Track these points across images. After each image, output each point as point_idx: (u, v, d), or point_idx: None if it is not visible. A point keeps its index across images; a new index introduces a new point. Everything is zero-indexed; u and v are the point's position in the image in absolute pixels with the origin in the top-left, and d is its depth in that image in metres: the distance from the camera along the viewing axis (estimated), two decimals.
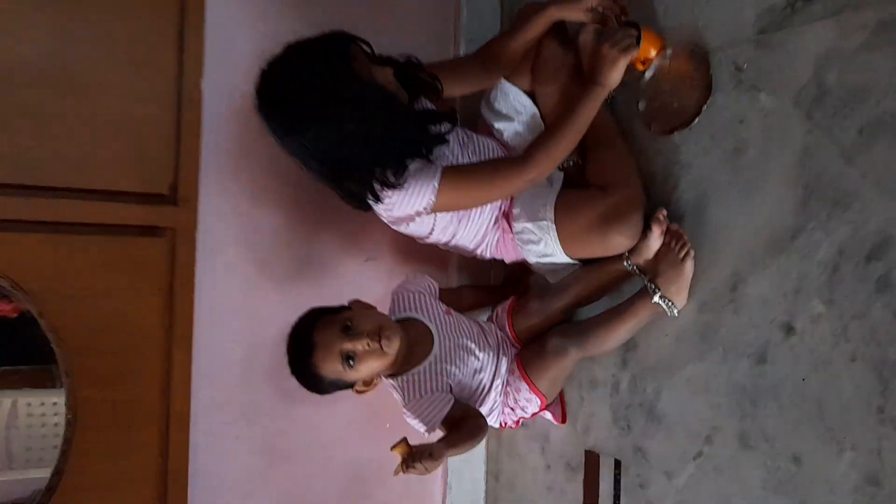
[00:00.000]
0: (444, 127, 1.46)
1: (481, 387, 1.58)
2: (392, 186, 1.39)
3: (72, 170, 1.45)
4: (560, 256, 1.54)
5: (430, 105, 1.55)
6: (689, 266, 1.39)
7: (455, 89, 1.60)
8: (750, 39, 1.31)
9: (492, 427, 1.86)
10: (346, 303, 1.53)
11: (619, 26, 1.42)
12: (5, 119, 1.40)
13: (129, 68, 1.50)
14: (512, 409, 1.61)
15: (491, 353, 1.60)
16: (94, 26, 1.47)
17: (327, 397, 1.74)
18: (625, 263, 1.48)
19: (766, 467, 1.27)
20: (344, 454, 1.81)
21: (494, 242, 1.66)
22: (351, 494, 1.82)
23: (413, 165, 1.41)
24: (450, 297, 1.74)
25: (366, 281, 1.79)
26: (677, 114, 1.43)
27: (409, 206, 1.43)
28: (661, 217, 1.40)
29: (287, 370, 1.48)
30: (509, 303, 1.71)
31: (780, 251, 1.26)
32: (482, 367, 1.58)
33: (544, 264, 1.60)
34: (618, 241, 1.43)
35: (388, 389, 1.57)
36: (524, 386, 1.57)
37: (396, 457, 1.29)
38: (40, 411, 1.48)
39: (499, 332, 1.67)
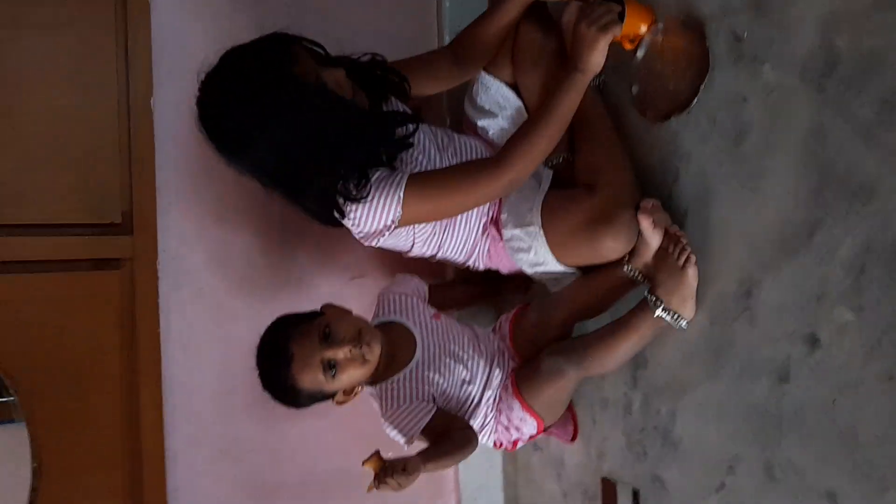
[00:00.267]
0: (406, 129, 1.31)
1: (469, 399, 1.43)
2: (355, 199, 1.25)
3: (13, 204, 1.35)
4: (553, 265, 1.38)
5: (401, 107, 1.41)
6: (691, 273, 1.20)
7: (428, 87, 1.46)
8: (748, 5, 1.12)
9: (504, 451, 1.73)
10: (317, 308, 1.42)
11: (601, 1, 1.24)
12: None
13: (71, 90, 1.40)
14: (506, 428, 1.45)
15: (482, 363, 1.45)
16: (31, 48, 1.38)
17: (318, 424, 1.64)
18: (625, 268, 1.30)
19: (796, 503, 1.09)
20: (339, 487, 1.68)
21: (485, 252, 1.50)
22: None
23: (376, 175, 1.26)
24: (443, 295, 1.62)
25: (352, 300, 1.65)
26: (673, 97, 1.25)
27: (375, 220, 1.28)
28: (648, 207, 1.22)
29: (267, 395, 1.37)
30: (514, 312, 1.55)
31: (795, 251, 1.07)
32: (471, 377, 1.43)
33: (540, 274, 1.44)
34: (608, 246, 1.26)
35: (369, 398, 1.45)
36: (517, 404, 1.41)
37: (370, 472, 1.18)
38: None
39: (498, 342, 1.52)
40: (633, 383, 1.40)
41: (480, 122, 1.51)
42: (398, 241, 1.40)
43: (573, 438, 1.54)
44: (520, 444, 1.48)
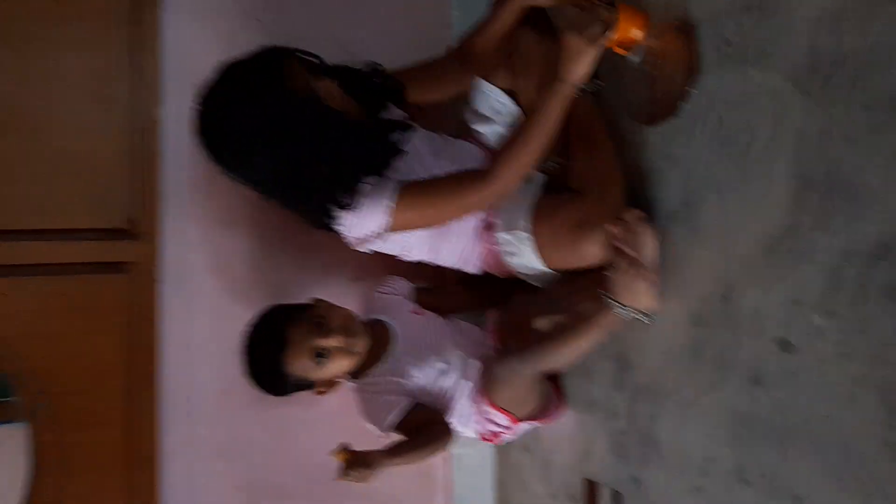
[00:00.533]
0: (397, 137, 1.34)
1: (446, 391, 1.45)
2: (346, 207, 1.29)
3: (24, 210, 1.41)
4: (542, 268, 1.39)
5: (401, 114, 1.44)
6: (639, 266, 1.19)
7: (427, 94, 1.49)
8: (738, 8, 1.13)
9: (491, 446, 1.73)
10: (306, 300, 1.46)
11: (593, 6, 1.26)
12: None
13: (83, 102, 1.46)
14: (484, 420, 1.46)
15: (460, 355, 1.48)
16: (47, 64, 1.44)
17: (315, 425, 1.66)
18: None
19: None
20: (335, 488, 1.69)
21: (480, 256, 1.52)
22: None
23: (367, 183, 1.29)
24: (438, 298, 1.65)
25: (353, 302, 1.69)
26: (664, 100, 1.26)
27: (364, 227, 1.31)
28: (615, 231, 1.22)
29: (266, 400, 1.43)
30: (497, 308, 1.58)
31: (775, 254, 1.08)
32: (448, 369, 1.46)
33: (532, 277, 1.46)
34: (593, 252, 1.27)
35: (351, 392, 1.48)
36: (485, 401, 1.43)
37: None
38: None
39: (480, 333, 1.55)
40: (619, 385, 1.40)
41: (479, 128, 1.52)
42: (393, 245, 1.43)
43: (558, 412, 1.53)
44: (505, 438, 1.49)
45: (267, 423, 1.63)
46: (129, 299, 1.49)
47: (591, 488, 1.47)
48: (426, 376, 1.43)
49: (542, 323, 1.39)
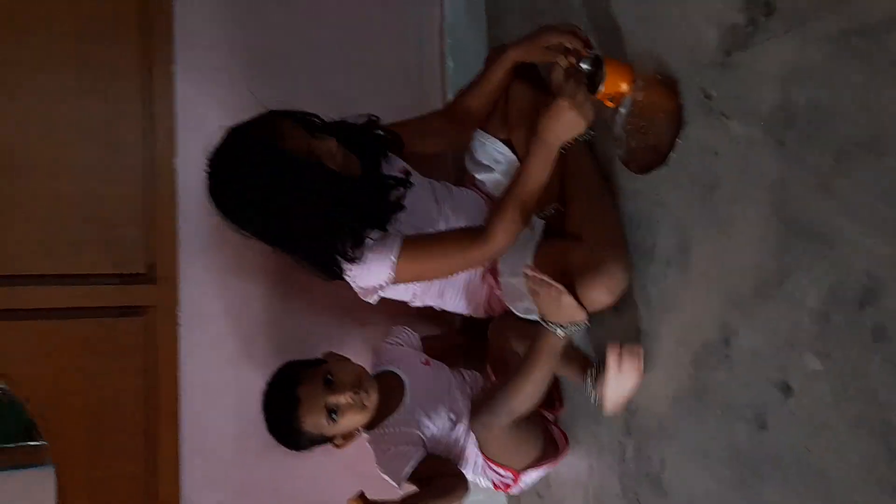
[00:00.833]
0: (396, 193, 1.38)
1: (457, 441, 1.48)
2: (351, 260, 1.33)
3: (44, 255, 1.47)
4: None
5: (400, 163, 1.49)
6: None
7: (424, 146, 1.55)
8: (716, 63, 1.17)
9: (505, 495, 1.74)
10: (319, 355, 1.50)
11: (584, 58, 1.31)
12: None
13: (101, 150, 1.54)
14: (491, 471, 1.48)
15: (468, 406, 1.51)
16: (66, 112, 1.51)
17: (330, 468, 1.68)
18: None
19: None
20: None
21: (485, 302, 1.56)
22: None
23: (370, 237, 1.34)
24: (442, 346, 1.69)
25: (362, 346, 1.73)
26: (653, 150, 1.29)
27: (369, 279, 1.36)
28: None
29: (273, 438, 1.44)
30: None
31: (767, 298, 1.10)
32: (458, 419, 1.48)
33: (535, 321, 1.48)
34: (594, 296, 1.29)
35: (368, 447, 1.51)
36: (482, 455, 1.45)
37: None
38: None
39: (485, 383, 1.57)
40: (627, 430, 1.42)
41: (479, 175, 1.58)
42: (398, 293, 1.48)
43: (563, 452, 1.55)
44: (514, 489, 1.50)
45: (283, 467, 1.66)
46: (150, 342, 1.55)
47: None
48: (438, 427, 1.46)
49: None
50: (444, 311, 1.64)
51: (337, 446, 1.45)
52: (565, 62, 1.33)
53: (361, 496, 1.27)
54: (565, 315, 1.28)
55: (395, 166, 1.48)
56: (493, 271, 1.51)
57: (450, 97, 1.83)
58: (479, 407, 1.41)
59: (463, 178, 1.68)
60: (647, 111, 1.31)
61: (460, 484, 1.39)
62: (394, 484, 1.41)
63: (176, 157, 1.58)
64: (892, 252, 0.91)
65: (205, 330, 1.62)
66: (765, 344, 1.11)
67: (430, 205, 1.47)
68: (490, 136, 1.54)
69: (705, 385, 1.22)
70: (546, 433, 1.53)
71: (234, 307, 1.66)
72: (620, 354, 1.29)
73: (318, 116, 1.40)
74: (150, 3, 1.58)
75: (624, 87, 1.32)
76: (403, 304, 1.56)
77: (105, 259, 1.54)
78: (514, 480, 1.49)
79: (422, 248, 1.35)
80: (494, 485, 1.52)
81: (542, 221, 1.47)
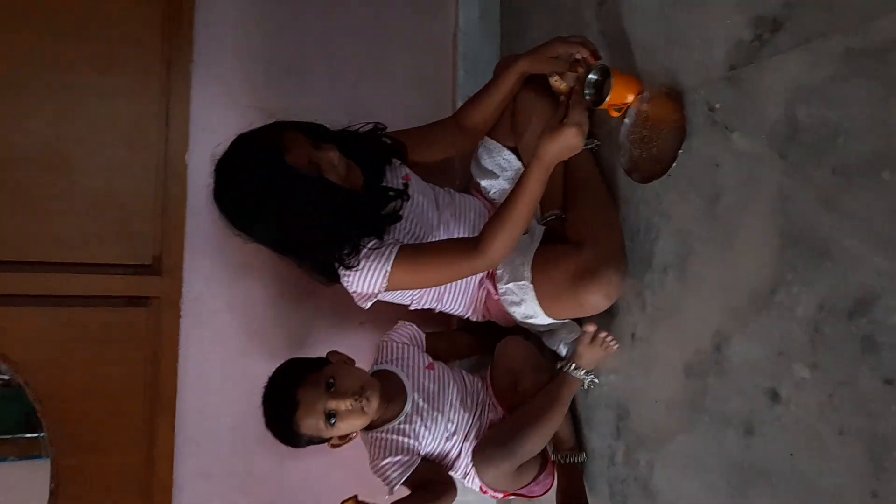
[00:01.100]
0: (395, 205, 1.41)
1: (451, 451, 1.49)
2: (348, 267, 1.35)
3: (58, 245, 1.50)
4: (542, 318, 1.45)
5: (403, 171, 1.51)
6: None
7: (431, 153, 1.57)
8: (722, 77, 1.20)
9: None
10: (324, 355, 1.50)
11: (592, 69, 1.34)
12: None
13: (119, 147, 1.56)
14: (485, 490, 1.50)
15: (466, 416, 1.52)
16: (90, 112, 1.55)
17: (325, 463, 1.69)
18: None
19: None
20: None
21: (482, 306, 1.59)
22: None
23: (367, 245, 1.36)
24: (444, 345, 1.69)
25: (360, 345, 1.75)
26: (656, 160, 1.32)
27: (365, 286, 1.37)
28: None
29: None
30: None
31: (760, 307, 1.13)
32: (455, 429, 1.50)
33: (532, 326, 1.51)
34: (592, 301, 1.32)
35: (362, 443, 1.52)
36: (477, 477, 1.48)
37: None
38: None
39: (483, 392, 1.59)
40: (617, 434, 1.44)
41: (483, 182, 1.61)
42: (396, 297, 1.50)
43: (545, 491, 1.58)
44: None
45: (279, 460, 1.67)
46: (153, 331, 1.57)
47: None
48: (435, 437, 1.48)
49: (526, 385, 1.50)
50: (440, 314, 1.66)
51: (333, 446, 1.46)
52: (572, 74, 1.36)
53: (354, 498, 1.28)
54: (592, 362, 1.44)
55: (399, 173, 1.50)
56: (491, 277, 1.54)
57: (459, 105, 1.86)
58: (492, 446, 1.44)
59: (469, 184, 1.70)
60: (651, 122, 1.34)
61: (450, 490, 1.41)
62: (384, 487, 1.42)
63: (188, 153, 1.61)
64: (889, 266, 0.94)
65: (207, 323, 1.63)
66: (756, 352, 1.13)
67: (430, 212, 1.49)
68: (497, 144, 1.57)
69: (696, 391, 1.25)
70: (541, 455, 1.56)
71: (237, 302, 1.68)
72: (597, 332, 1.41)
73: (322, 126, 1.42)
74: (174, 7, 1.62)
75: (630, 98, 1.35)
76: (403, 305, 1.58)
77: (116, 250, 1.56)
78: (503, 497, 1.51)
79: (416, 258, 1.36)
80: (482, 489, 1.54)
81: (542, 227, 1.50)
